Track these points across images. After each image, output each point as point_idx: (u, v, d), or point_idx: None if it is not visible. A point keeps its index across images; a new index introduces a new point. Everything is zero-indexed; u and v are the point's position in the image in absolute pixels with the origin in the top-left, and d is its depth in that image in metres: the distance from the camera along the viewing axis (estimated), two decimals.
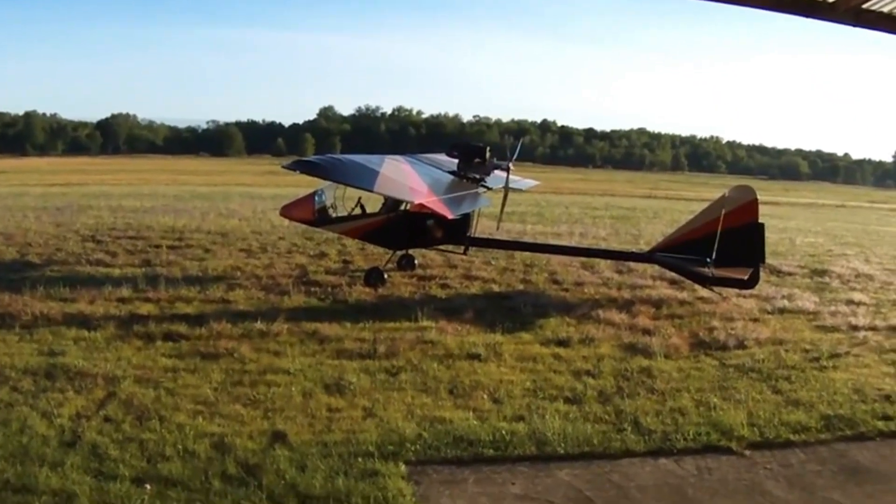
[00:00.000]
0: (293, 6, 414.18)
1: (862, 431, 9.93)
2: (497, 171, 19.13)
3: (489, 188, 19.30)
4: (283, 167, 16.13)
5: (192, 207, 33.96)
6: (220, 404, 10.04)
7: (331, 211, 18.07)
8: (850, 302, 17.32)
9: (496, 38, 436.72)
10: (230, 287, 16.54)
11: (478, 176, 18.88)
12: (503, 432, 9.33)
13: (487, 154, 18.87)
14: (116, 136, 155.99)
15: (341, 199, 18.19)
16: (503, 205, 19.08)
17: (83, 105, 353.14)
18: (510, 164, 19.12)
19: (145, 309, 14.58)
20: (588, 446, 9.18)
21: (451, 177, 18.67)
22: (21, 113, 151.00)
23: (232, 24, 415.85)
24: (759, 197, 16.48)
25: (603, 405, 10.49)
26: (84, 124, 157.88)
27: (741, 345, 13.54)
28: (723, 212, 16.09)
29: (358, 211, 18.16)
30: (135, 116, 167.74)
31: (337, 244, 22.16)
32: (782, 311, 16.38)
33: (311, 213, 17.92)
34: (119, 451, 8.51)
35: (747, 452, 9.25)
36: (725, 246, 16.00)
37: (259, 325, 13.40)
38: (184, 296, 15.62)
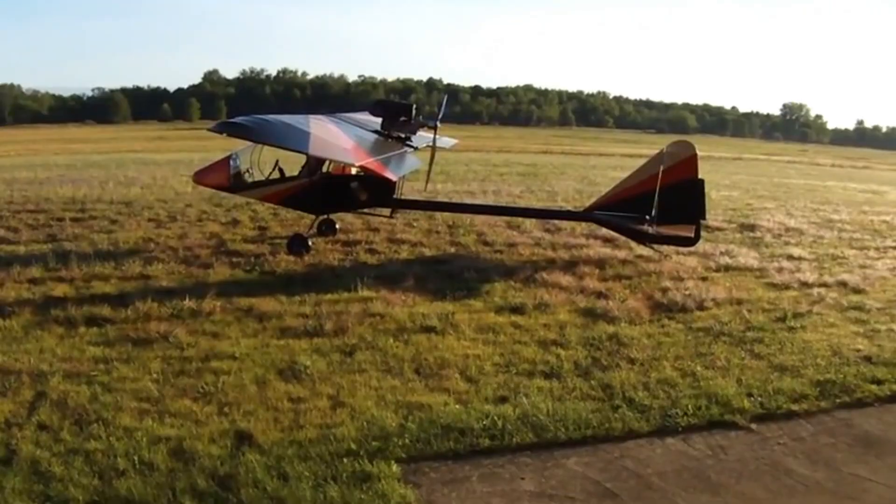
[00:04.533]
0: None
1: (859, 397, 9.41)
2: (421, 131, 18.00)
3: (415, 147, 18.15)
4: (209, 130, 14.87)
5: (89, 176, 31.68)
6: (166, 400, 8.66)
7: (247, 176, 16.62)
8: (790, 257, 17.03)
9: None
10: (147, 261, 14.95)
11: (403, 135, 17.69)
12: (493, 418, 8.32)
13: (413, 112, 17.70)
14: (2, 108, 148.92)
15: (257, 164, 16.73)
16: (430, 165, 17.91)
17: None
18: (437, 122, 17.97)
19: (61, 290, 12.94)
20: (588, 429, 8.28)
21: (376, 136, 17.41)
22: None
23: None
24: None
25: (585, 379, 9.64)
26: None
27: (701, 306, 12.91)
28: (661, 168, 15.54)
29: (276, 175, 16.73)
30: (19, 87, 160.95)
31: (248, 210, 20.71)
32: (727, 268, 15.93)
33: (226, 179, 16.41)
34: (64, 467, 7.07)
35: (754, 426, 8.57)
36: (665, 203, 15.48)
37: (188, 303, 11.97)
38: (99, 273, 14.03)
